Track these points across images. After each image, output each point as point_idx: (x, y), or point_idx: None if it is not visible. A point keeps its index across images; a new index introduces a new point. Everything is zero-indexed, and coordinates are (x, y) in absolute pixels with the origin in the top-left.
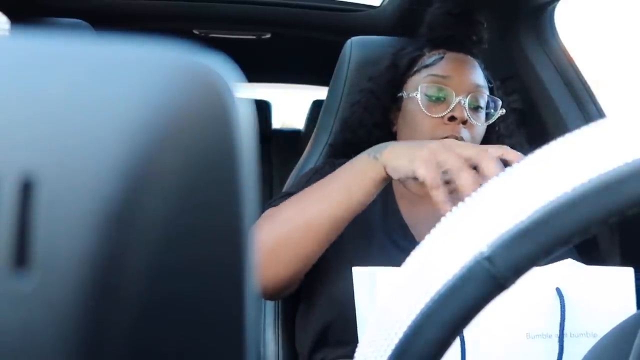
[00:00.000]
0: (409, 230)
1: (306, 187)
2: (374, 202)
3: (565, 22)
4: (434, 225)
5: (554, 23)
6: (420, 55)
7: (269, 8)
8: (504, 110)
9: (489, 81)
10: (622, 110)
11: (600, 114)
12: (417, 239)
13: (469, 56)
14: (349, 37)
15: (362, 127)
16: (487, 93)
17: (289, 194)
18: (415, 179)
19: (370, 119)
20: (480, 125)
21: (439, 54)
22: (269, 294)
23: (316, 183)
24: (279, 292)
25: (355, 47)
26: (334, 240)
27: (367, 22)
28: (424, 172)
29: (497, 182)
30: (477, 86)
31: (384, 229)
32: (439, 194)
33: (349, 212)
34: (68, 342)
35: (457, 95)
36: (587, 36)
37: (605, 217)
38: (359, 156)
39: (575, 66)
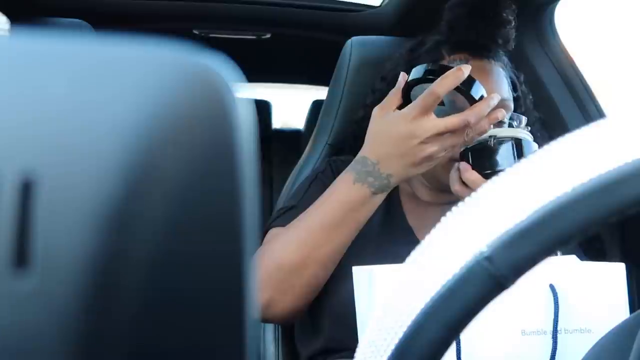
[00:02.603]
0: (414, 234)
1: (306, 196)
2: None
3: (565, 22)
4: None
5: (554, 23)
6: (439, 58)
7: (269, 8)
8: (529, 128)
9: (514, 88)
10: (622, 110)
11: (600, 114)
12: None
13: (494, 63)
14: (349, 37)
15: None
16: (512, 106)
17: (290, 208)
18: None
19: None
20: None
21: (461, 59)
22: (278, 321)
23: (319, 219)
24: (289, 320)
25: (355, 47)
26: None
27: (367, 22)
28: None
29: (497, 182)
30: (503, 101)
31: (387, 234)
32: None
33: (356, 231)
34: (68, 342)
35: None
36: (588, 36)
37: (605, 217)
38: (348, 191)
39: (575, 66)
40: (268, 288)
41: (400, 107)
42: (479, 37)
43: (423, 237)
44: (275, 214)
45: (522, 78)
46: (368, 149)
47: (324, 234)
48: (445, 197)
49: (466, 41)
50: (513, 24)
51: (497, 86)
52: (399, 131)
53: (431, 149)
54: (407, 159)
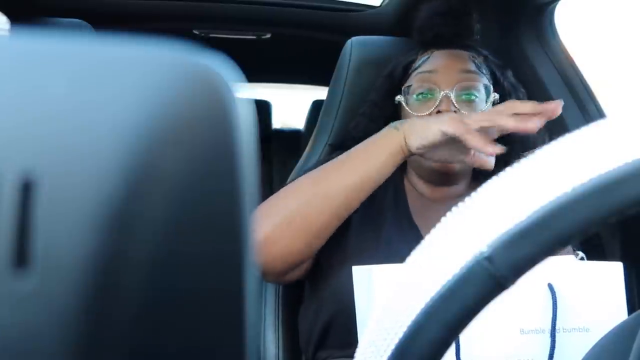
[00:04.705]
0: (419, 231)
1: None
2: (384, 203)
3: (565, 22)
4: None
5: (554, 23)
6: (413, 60)
7: (269, 8)
8: (497, 95)
9: (492, 72)
10: (622, 110)
11: (600, 114)
12: None
13: (457, 50)
14: (349, 37)
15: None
16: (482, 79)
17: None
18: (431, 173)
19: (376, 129)
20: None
21: (428, 53)
22: (277, 271)
23: (334, 159)
24: (287, 269)
25: (355, 47)
26: (340, 239)
27: (367, 22)
28: (452, 128)
29: (497, 182)
30: (465, 73)
31: (393, 230)
32: (474, 137)
33: (366, 182)
34: (68, 342)
35: (443, 89)
36: (589, 36)
37: (605, 217)
38: (381, 131)
39: (575, 66)
40: (268, 223)
41: None
42: (441, 33)
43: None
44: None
45: (508, 73)
46: None
47: (332, 172)
48: (444, 191)
49: (431, 38)
50: (472, 14)
51: (456, 63)
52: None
53: (452, 116)
54: (428, 120)
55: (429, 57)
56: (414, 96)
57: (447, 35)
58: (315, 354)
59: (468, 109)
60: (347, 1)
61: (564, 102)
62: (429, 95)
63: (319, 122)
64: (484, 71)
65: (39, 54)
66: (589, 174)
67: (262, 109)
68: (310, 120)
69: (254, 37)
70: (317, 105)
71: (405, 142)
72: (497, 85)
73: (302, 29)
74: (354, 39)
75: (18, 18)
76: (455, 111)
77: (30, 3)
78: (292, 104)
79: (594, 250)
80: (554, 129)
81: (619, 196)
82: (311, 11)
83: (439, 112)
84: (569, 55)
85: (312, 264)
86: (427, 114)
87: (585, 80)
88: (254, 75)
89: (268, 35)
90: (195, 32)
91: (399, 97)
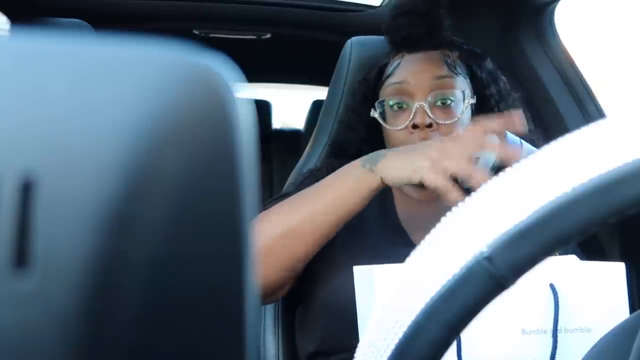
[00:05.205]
0: (406, 233)
1: (300, 188)
2: (371, 204)
3: (565, 22)
4: (432, 229)
5: (554, 23)
6: (386, 64)
7: (269, 8)
8: (471, 100)
9: (467, 65)
10: (622, 110)
11: (600, 114)
12: (415, 242)
13: (428, 52)
14: (349, 37)
15: (350, 145)
16: (456, 82)
17: (282, 197)
18: (418, 185)
19: (356, 136)
20: (451, 121)
21: (399, 58)
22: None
23: (308, 188)
24: (267, 296)
25: (355, 47)
26: (330, 243)
27: (367, 22)
28: (433, 180)
29: (497, 182)
30: (437, 79)
31: (380, 232)
32: (456, 196)
33: (341, 219)
34: (68, 343)
35: (416, 101)
36: (590, 36)
37: (605, 217)
38: (352, 165)
39: (575, 66)
40: None
41: None
42: (408, 34)
43: (415, 237)
44: (266, 203)
45: (486, 63)
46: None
47: (308, 208)
48: (431, 194)
49: (399, 41)
50: (440, 11)
51: (427, 70)
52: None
53: (433, 158)
54: (409, 154)
55: (399, 63)
56: (389, 110)
57: (415, 36)
58: (313, 354)
59: (444, 115)
60: (347, 1)
61: (564, 102)
62: (404, 107)
63: (319, 122)
64: (459, 69)
65: (39, 54)
66: (589, 174)
67: (262, 109)
68: (310, 120)
69: (254, 37)
70: (317, 105)
71: (382, 180)
72: (475, 79)
73: (302, 29)
74: (354, 39)
75: (18, 18)
76: (430, 124)
77: (30, 3)
78: (292, 104)
79: (594, 250)
80: (554, 129)
81: (619, 196)
82: (311, 11)
83: (414, 126)
84: (569, 55)
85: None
86: (404, 128)
87: (585, 80)
88: (254, 75)
89: (268, 35)
90: (195, 32)
91: (373, 113)
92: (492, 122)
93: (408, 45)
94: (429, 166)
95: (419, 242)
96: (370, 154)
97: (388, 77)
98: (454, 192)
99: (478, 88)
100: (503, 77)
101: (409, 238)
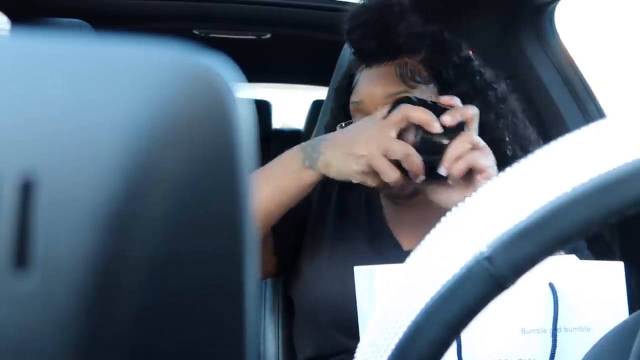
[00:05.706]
0: (394, 237)
1: None
2: (358, 208)
3: (565, 22)
4: (418, 231)
5: (554, 23)
6: (354, 74)
7: (269, 8)
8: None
9: (432, 69)
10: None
11: (600, 114)
12: (402, 245)
13: (383, 66)
14: None
15: None
16: (411, 95)
17: None
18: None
19: None
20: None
21: (360, 70)
22: None
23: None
24: None
25: None
26: (319, 247)
27: None
28: (370, 181)
29: (497, 182)
30: (390, 98)
31: (367, 236)
32: (396, 176)
33: (280, 207)
34: (68, 343)
35: None
36: (589, 36)
37: (605, 217)
38: (292, 156)
39: (575, 66)
40: None
41: None
42: (360, 48)
43: (402, 240)
44: None
45: (452, 59)
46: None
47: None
48: (416, 195)
49: (356, 53)
50: (390, 23)
51: (379, 88)
52: (358, 124)
53: (371, 147)
54: (347, 147)
55: (359, 78)
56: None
57: (367, 52)
58: (312, 354)
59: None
60: (347, 1)
61: (564, 102)
62: None
63: (319, 122)
64: (418, 78)
65: (39, 54)
66: (589, 174)
67: (262, 109)
68: (310, 120)
69: (254, 37)
70: (317, 105)
71: (324, 175)
72: (440, 81)
73: (302, 29)
74: None
75: (18, 18)
76: None
77: (30, 3)
78: (292, 104)
79: (594, 250)
80: (554, 129)
81: (619, 196)
82: (311, 11)
83: None
84: (569, 55)
85: (284, 269)
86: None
87: (585, 80)
88: (254, 75)
89: (268, 35)
90: (195, 32)
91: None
92: (416, 111)
93: (362, 59)
94: (366, 161)
95: (406, 245)
96: (309, 143)
97: (352, 91)
98: (394, 174)
99: (445, 89)
100: (482, 70)
101: (396, 241)
